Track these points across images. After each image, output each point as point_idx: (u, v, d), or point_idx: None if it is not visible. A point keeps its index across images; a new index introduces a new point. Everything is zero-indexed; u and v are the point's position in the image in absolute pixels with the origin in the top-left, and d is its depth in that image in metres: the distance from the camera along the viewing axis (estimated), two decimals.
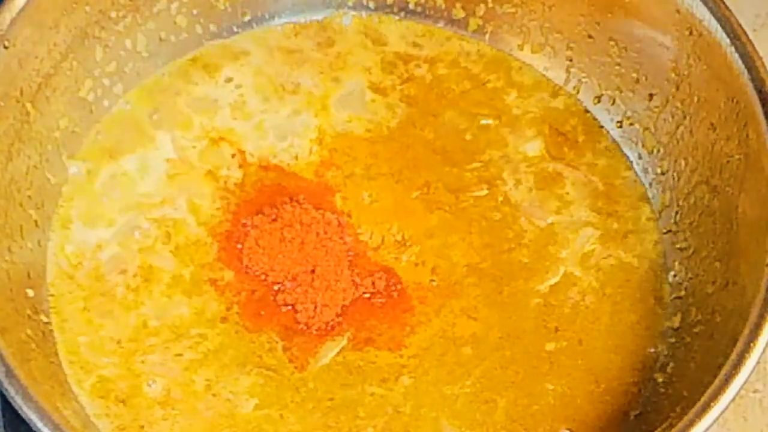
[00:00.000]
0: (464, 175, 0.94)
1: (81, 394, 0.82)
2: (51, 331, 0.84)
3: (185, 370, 0.84)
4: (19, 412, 0.72)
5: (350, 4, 1.00)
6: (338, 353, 0.86)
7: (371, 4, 1.00)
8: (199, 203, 0.90)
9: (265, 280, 0.87)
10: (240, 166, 0.92)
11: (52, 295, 0.86)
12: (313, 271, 0.87)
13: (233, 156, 0.93)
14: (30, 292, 0.84)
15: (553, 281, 0.90)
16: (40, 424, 0.72)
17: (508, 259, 0.90)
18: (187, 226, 0.89)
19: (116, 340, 0.85)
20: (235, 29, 0.98)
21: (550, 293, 0.89)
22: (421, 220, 0.91)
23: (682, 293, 0.89)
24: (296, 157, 0.93)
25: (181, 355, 0.84)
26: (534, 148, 0.95)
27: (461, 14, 1.00)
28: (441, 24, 1.01)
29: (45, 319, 0.84)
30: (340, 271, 0.87)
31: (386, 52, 0.99)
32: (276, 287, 0.87)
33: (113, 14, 0.90)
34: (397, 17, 1.00)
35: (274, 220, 0.89)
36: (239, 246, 0.88)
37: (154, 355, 0.84)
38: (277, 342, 0.85)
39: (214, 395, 0.83)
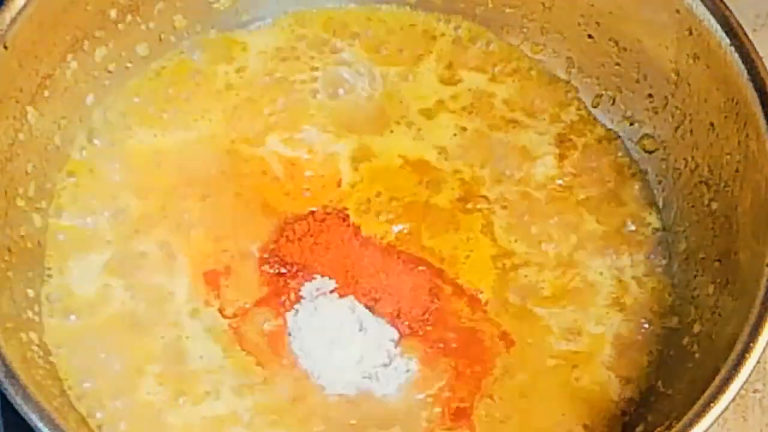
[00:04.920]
0: (468, 185, 0.93)
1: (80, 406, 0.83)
2: (50, 331, 0.84)
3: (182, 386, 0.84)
4: (19, 412, 0.72)
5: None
6: None
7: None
8: (202, 209, 0.90)
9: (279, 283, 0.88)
10: (244, 168, 0.92)
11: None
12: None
13: (237, 158, 0.92)
14: (30, 292, 0.84)
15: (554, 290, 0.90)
16: (40, 424, 0.72)
17: (515, 276, 0.90)
18: (189, 233, 0.89)
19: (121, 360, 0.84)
20: (235, 29, 0.98)
21: (550, 298, 0.90)
22: (430, 231, 0.91)
23: (682, 293, 0.89)
24: (302, 159, 0.93)
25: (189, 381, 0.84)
26: (535, 150, 0.95)
27: (460, 14, 1.00)
28: None
29: (44, 319, 0.84)
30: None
31: (389, 52, 0.99)
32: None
33: (113, 14, 0.90)
34: None
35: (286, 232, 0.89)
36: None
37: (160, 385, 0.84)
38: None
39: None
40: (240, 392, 0.83)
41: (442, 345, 0.86)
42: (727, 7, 0.86)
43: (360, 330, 0.85)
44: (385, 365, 0.84)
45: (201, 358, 0.85)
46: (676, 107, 0.92)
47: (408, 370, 0.85)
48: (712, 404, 0.74)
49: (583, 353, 0.87)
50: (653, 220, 0.93)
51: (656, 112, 0.94)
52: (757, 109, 0.83)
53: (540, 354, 0.87)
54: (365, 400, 0.84)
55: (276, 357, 0.84)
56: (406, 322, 0.86)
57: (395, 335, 0.85)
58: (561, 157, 0.95)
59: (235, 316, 0.86)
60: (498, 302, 0.88)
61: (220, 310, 0.86)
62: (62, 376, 0.83)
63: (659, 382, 0.86)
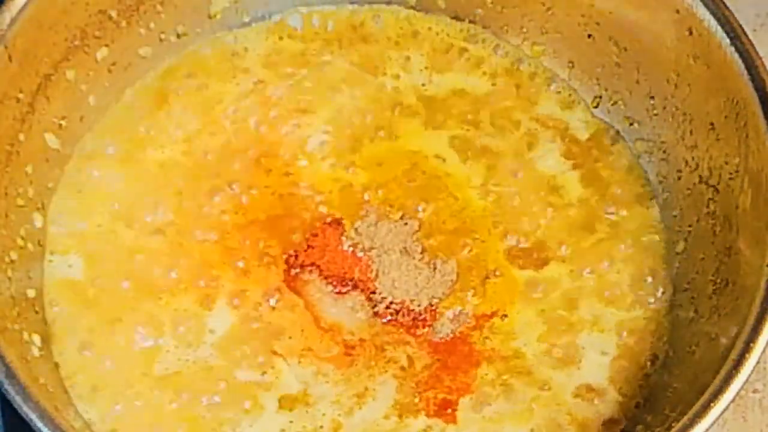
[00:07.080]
0: (468, 185, 0.93)
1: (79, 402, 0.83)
2: (51, 332, 0.85)
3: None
4: (19, 412, 0.72)
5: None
6: None
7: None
8: (207, 210, 0.90)
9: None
10: (245, 171, 0.92)
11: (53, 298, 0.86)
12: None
13: (238, 160, 0.92)
14: (30, 292, 0.84)
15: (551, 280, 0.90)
16: (40, 424, 0.72)
17: (512, 279, 0.90)
18: (192, 235, 0.89)
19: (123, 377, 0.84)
20: (236, 29, 0.98)
21: (549, 290, 0.90)
22: (427, 234, 0.91)
23: (683, 293, 0.89)
24: (302, 162, 0.93)
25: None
26: (535, 150, 0.95)
27: (461, 15, 1.00)
28: None
29: (45, 320, 0.84)
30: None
31: (388, 53, 0.99)
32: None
33: (113, 14, 0.90)
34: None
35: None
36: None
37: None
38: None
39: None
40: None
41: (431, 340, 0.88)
42: (727, 7, 0.86)
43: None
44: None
45: (198, 355, 0.85)
46: (676, 107, 0.92)
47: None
48: (712, 404, 0.74)
49: (582, 354, 0.87)
50: (653, 219, 0.93)
51: (656, 113, 0.94)
52: (757, 109, 0.83)
53: (532, 356, 0.87)
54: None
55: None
56: (409, 317, 0.88)
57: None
58: (561, 157, 0.95)
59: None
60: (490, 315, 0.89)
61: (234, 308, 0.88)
62: (63, 376, 0.83)
63: (659, 382, 0.86)
